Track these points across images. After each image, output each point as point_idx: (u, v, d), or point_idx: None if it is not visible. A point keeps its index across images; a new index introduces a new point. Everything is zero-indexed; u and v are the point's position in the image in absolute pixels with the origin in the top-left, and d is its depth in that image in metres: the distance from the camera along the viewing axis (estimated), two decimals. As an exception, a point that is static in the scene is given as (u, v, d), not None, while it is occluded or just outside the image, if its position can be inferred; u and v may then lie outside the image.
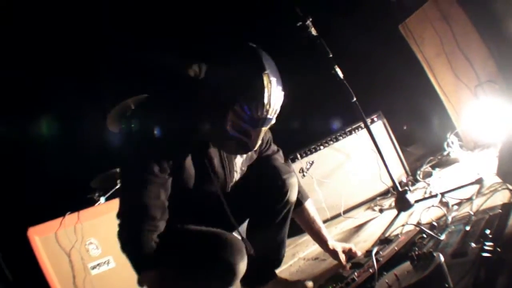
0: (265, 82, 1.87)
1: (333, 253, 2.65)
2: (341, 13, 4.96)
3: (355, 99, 3.22)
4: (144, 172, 1.99)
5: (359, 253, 2.57)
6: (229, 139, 1.99)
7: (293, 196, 2.51)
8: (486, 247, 1.61)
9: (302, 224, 2.74)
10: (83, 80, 4.93)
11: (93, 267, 3.74)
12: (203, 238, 2.17)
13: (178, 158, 2.08)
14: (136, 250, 2.03)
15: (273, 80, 1.90)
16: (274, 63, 1.98)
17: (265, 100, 1.88)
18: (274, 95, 1.92)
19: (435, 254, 1.54)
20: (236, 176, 2.40)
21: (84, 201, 4.24)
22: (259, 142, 2.08)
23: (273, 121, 2.02)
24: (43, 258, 3.62)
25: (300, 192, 2.61)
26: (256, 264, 2.32)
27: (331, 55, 3.19)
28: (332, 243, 2.66)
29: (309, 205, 2.68)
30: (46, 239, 3.67)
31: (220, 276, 2.04)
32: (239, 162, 2.39)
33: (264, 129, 2.02)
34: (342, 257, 2.60)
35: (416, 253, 1.58)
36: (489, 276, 1.51)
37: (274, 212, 2.49)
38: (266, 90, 1.87)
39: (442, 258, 1.50)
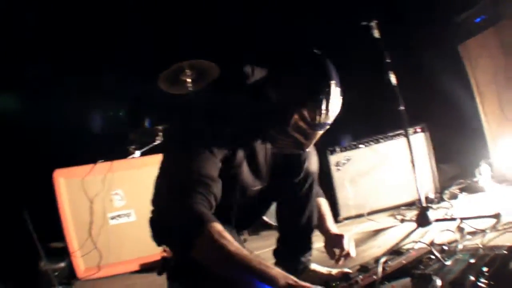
0: (332, 90, 1.96)
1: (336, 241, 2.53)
2: (407, 22, 5.01)
3: (403, 107, 3.30)
4: (203, 146, 1.96)
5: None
6: (287, 136, 2.05)
7: (312, 166, 2.49)
8: (480, 284, 1.72)
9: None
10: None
11: (113, 218, 3.84)
12: None
13: (236, 148, 2.13)
14: (188, 213, 1.78)
15: (338, 90, 2.00)
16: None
17: (330, 108, 1.97)
18: (337, 103, 2.01)
19: (433, 278, 1.63)
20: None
21: (117, 152, 4.25)
22: (312, 144, 2.16)
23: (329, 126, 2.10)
24: (63, 201, 3.74)
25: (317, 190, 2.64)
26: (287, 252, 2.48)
27: (388, 60, 3.26)
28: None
29: (322, 201, 2.67)
30: (71, 182, 3.79)
31: None
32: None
33: (321, 132, 2.09)
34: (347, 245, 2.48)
35: (419, 272, 1.68)
36: None
37: (295, 185, 2.48)
38: (331, 98, 1.96)
39: (439, 284, 1.60)
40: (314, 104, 1.96)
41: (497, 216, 2.96)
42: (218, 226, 1.75)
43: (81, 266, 3.73)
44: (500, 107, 3.97)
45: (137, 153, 4.34)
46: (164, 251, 2.26)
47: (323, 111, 1.97)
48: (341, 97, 2.05)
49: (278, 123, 2.03)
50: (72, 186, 3.78)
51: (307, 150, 2.18)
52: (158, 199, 2.10)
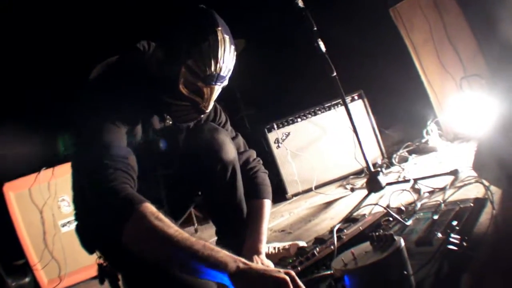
0: (219, 37, 1.83)
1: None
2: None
3: (335, 73, 3.19)
4: (105, 120, 1.78)
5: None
6: (182, 100, 1.92)
7: (228, 154, 2.26)
8: (451, 239, 1.58)
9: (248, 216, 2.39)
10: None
11: (64, 225, 3.75)
12: None
13: (135, 123, 1.96)
14: (112, 195, 1.59)
15: (226, 37, 1.87)
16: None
17: (219, 55, 1.84)
18: (228, 52, 1.88)
19: (395, 238, 1.49)
20: None
21: (61, 158, 4.09)
22: (212, 104, 1.99)
23: (226, 82, 1.97)
24: (16, 214, 3.65)
25: (261, 189, 2.41)
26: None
27: (315, 28, 3.16)
28: (261, 257, 2.18)
29: (266, 203, 2.39)
30: (20, 195, 3.69)
31: None
32: None
33: (217, 88, 1.95)
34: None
35: (377, 233, 1.53)
36: (452, 270, 1.48)
37: (215, 176, 2.27)
38: (219, 45, 1.83)
39: (402, 243, 1.45)
40: (200, 53, 1.82)
41: (454, 172, 2.83)
42: (150, 207, 1.56)
43: (44, 278, 3.66)
44: (441, 63, 3.88)
45: None
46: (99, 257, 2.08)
47: (212, 60, 1.83)
48: (234, 47, 1.94)
49: (169, 85, 1.89)
50: (21, 198, 3.71)
51: (207, 111, 2.02)
52: (79, 195, 1.95)
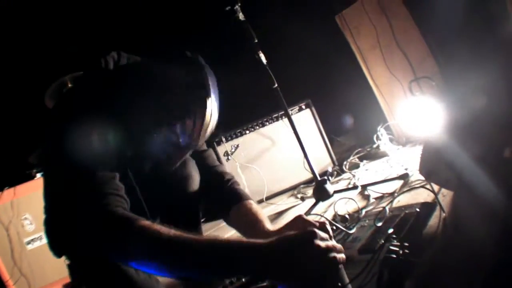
0: (208, 111, 1.69)
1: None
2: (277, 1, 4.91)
3: (276, 85, 3.18)
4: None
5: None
6: (151, 152, 1.77)
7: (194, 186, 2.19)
8: (391, 247, 1.49)
9: (241, 221, 2.14)
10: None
11: (28, 242, 3.79)
12: None
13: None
14: (107, 219, 1.48)
15: (214, 108, 1.73)
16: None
17: (203, 128, 1.72)
18: (212, 123, 1.75)
19: None
20: None
21: (24, 177, 4.05)
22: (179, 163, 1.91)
23: None
24: None
25: (245, 193, 2.20)
26: None
27: (256, 41, 3.14)
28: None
29: (253, 203, 2.17)
30: None
31: None
32: None
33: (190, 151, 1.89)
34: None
35: None
36: (393, 278, 1.38)
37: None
38: (206, 119, 1.70)
39: None
40: (186, 124, 1.71)
41: (404, 176, 2.79)
42: (146, 221, 1.46)
43: None
44: (388, 68, 3.89)
45: (39, 175, 4.12)
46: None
47: (196, 132, 1.73)
48: (217, 113, 1.80)
49: (140, 138, 1.74)
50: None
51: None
52: (53, 208, 1.73)
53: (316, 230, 1.33)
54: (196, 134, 1.72)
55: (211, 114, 1.71)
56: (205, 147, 2.34)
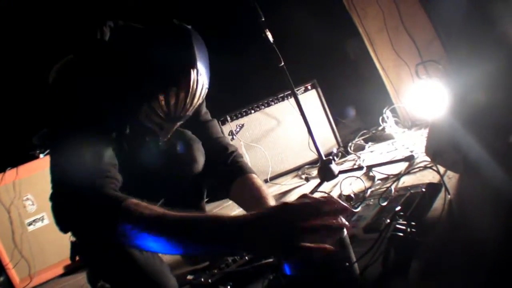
0: (192, 79, 1.68)
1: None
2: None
3: (282, 63, 3.14)
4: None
5: None
6: (140, 125, 1.81)
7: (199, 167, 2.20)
8: (397, 225, 1.49)
9: (244, 196, 2.14)
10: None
11: (30, 224, 3.75)
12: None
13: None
14: (100, 201, 1.52)
15: (201, 76, 1.72)
16: (204, 44, 1.80)
17: (188, 99, 1.72)
18: (199, 93, 1.75)
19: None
20: None
21: (26, 158, 4.02)
22: (170, 134, 1.90)
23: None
24: None
25: (248, 167, 2.23)
26: None
27: (263, 19, 3.10)
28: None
29: (255, 176, 2.18)
30: None
31: None
32: None
33: (179, 123, 1.86)
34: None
35: None
36: (400, 256, 1.38)
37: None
38: (191, 88, 1.69)
39: (345, 233, 1.34)
40: (171, 94, 1.70)
41: (409, 158, 2.79)
42: (133, 200, 1.47)
43: (16, 277, 3.66)
44: (395, 51, 3.87)
45: (42, 156, 4.09)
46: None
47: (181, 103, 1.73)
48: (206, 84, 1.81)
49: (130, 110, 1.79)
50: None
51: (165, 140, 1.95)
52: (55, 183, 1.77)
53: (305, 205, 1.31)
54: (182, 104, 1.72)
55: (196, 83, 1.70)
56: (209, 117, 2.33)
